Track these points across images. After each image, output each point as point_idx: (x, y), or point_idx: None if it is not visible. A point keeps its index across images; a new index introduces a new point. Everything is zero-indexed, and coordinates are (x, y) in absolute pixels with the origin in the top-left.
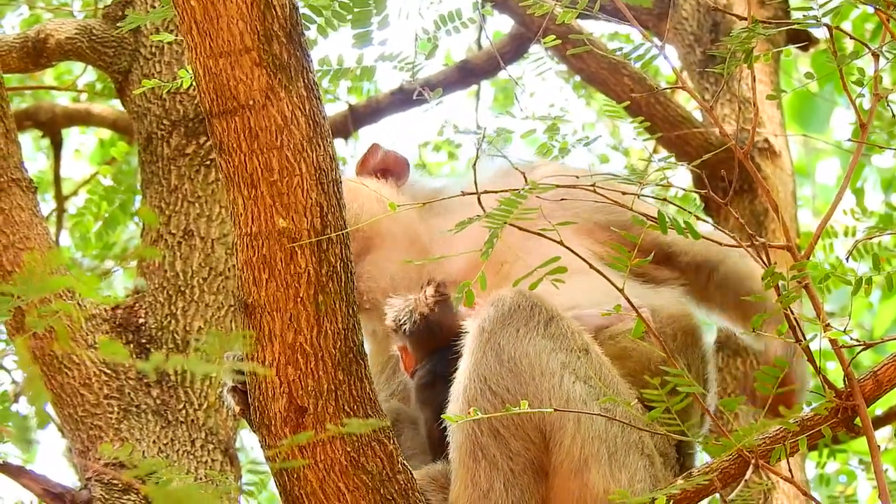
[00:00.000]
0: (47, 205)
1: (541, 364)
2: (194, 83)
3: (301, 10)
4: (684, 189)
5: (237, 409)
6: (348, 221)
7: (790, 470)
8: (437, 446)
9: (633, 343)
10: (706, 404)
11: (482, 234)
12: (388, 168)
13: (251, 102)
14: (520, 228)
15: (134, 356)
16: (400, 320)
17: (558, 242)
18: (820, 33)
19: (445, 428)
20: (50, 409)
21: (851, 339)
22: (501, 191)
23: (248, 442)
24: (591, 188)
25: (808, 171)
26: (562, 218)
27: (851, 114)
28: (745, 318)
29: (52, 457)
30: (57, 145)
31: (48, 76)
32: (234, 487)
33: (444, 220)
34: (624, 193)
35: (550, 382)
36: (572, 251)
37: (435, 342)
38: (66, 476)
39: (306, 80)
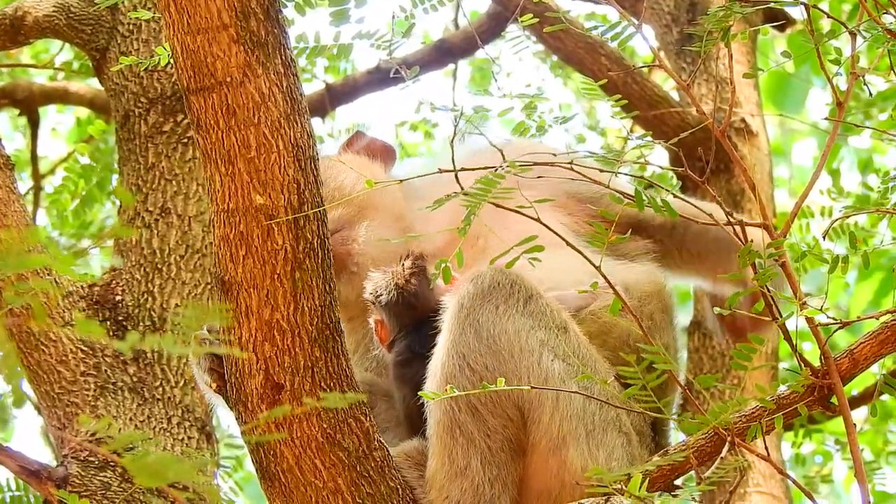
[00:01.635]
0: (24, 183)
1: (520, 342)
2: (172, 60)
3: None
4: (661, 167)
5: (213, 385)
6: (343, 190)
7: (766, 448)
8: (415, 423)
9: (613, 319)
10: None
11: (462, 211)
12: (374, 155)
13: (229, 79)
14: (497, 205)
15: (111, 333)
16: (377, 292)
17: (535, 219)
18: (797, 13)
19: (423, 405)
20: (26, 386)
21: (828, 317)
22: (479, 168)
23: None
24: (568, 166)
25: (784, 152)
26: (535, 193)
27: (827, 94)
28: (719, 268)
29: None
30: (34, 123)
31: (25, 54)
32: (211, 462)
33: (427, 202)
34: (601, 171)
35: (529, 360)
36: (549, 228)
37: (411, 315)
38: (42, 454)
39: (284, 57)
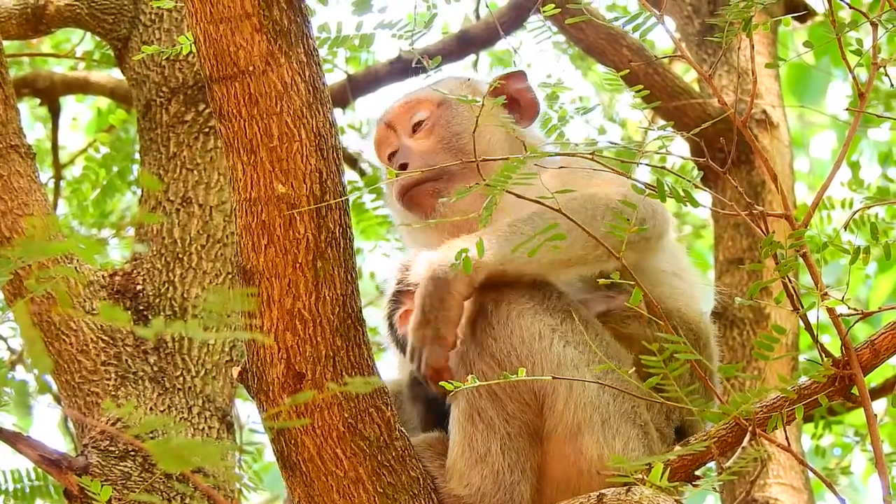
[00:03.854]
0: (44, 173)
1: (528, 326)
2: (194, 49)
3: None
4: (683, 157)
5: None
6: (462, 138)
7: (787, 439)
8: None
9: (638, 329)
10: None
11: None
12: (519, 102)
13: (251, 68)
14: (517, 196)
15: (133, 323)
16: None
17: (557, 210)
18: (818, 4)
19: (438, 420)
20: (47, 375)
21: (849, 308)
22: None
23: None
24: (590, 157)
25: (802, 144)
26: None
27: (847, 87)
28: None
29: (47, 426)
30: (55, 113)
31: (46, 44)
32: (233, 447)
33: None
34: (622, 161)
35: (541, 345)
36: (573, 220)
37: None
38: (60, 445)
39: (306, 47)
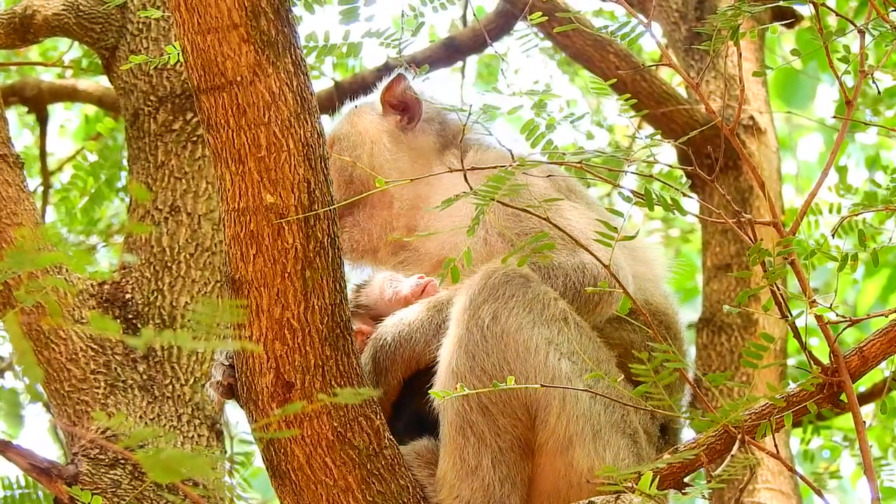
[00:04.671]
0: (32, 181)
1: (525, 340)
2: (182, 59)
3: None
4: (670, 165)
5: (225, 382)
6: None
7: (776, 446)
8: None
9: (614, 330)
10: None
11: (462, 210)
12: (406, 105)
13: (239, 78)
14: (504, 205)
15: (122, 332)
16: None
17: (544, 219)
18: (805, 10)
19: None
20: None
21: (837, 314)
22: (489, 167)
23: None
24: (578, 165)
25: (789, 147)
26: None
27: (835, 91)
28: None
29: (37, 434)
30: (42, 121)
31: (34, 52)
32: (223, 457)
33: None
34: (609, 170)
35: (536, 359)
36: (557, 226)
37: None
38: (50, 453)
39: (294, 57)
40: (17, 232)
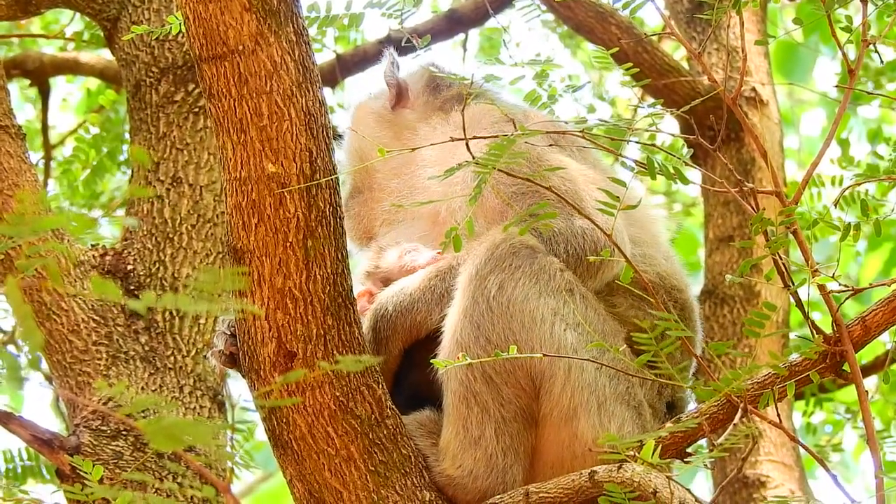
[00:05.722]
0: (35, 154)
1: (531, 311)
2: (184, 29)
3: None
4: (673, 135)
5: (227, 351)
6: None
7: (778, 416)
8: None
9: (629, 307)
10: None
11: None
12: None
13: (241, 47)
14: (507, 174)
15: (123, 302)
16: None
17: (546, 188)
18: None
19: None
20: (39, 353)
21: (840, 284)
22: (490, 137)
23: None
24: (580, 134)
25: (792, 122)
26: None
27: (836, 64)
28: None
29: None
30: (44, 94)
31: (35, 25)
32: (224, 426)
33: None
34: (612, 139)
35: (542, 330)
36: (559, 194)
37: None
38: (53, 425)
39: (296, 26)
40: (17, 196)
